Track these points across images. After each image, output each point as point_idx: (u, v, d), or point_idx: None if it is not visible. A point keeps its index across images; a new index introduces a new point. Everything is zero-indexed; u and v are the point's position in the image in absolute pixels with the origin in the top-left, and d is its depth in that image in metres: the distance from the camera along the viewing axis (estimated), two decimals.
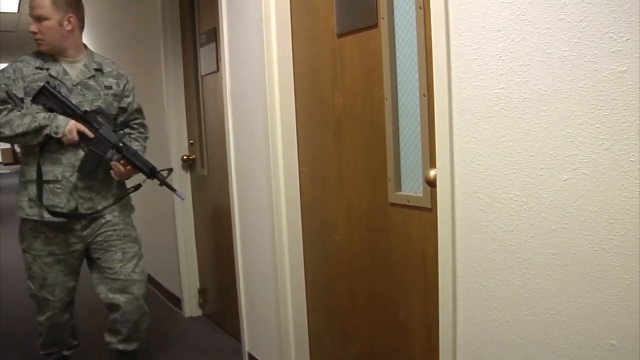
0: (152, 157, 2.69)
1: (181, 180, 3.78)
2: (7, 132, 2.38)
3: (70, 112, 2.42)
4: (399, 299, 2.03)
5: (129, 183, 2.70)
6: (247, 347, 3.09)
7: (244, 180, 2.90)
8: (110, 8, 4.97)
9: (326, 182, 2.37)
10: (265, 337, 2.88)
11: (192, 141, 3.79)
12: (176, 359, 3.24)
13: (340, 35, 2.18)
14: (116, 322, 2.67)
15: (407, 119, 1.92)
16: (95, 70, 2.56)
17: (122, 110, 2.66)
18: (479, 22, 1.47)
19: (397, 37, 1.92)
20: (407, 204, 1.94)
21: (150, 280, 4.28)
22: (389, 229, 2.04)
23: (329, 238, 2.40)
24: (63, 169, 2.47)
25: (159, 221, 4.18)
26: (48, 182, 2.45)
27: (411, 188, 1.94)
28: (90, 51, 2.62)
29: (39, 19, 2.41)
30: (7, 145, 26.80)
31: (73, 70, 2.51)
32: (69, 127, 2.40)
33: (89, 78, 2.52)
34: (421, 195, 1.87)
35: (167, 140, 3.76)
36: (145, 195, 2.66)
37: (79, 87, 2.50)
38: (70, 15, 2.46)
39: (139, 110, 2.75)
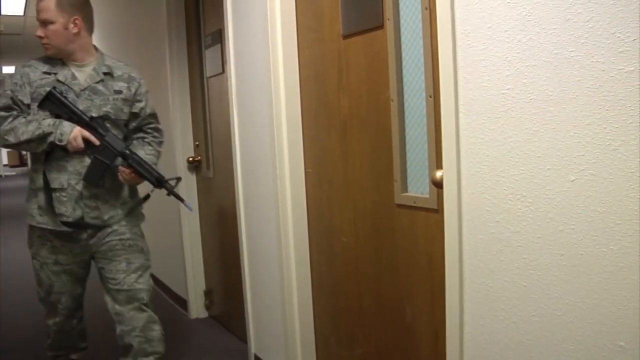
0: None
1: (187, 182, 3.79)
2: (11, 139, 2.33)
3: (77, 118, 2.35)
4: (405, 300, 2.03)
5: (140, 188, 2.62)
6: (253, 348, 3.09)
7: (250, 181, 2.90)
8: (115, 10, 4.98)
9: (332, 184, 2.37)
10: (271, 338, 2.88)
11: (197, 143, 3.80)
12: None
13: (346, 37, 2.18)
14: (123, 335, 2.53)
15: (413, 120, 1.92)
16: (105, 74, 2.47)
17: (134, 115, 2.56)
18: (486, 23, 1.47)
19: (403, 38, 1.92)
20: (414, 205, 1.93)
21: (156, 281, 4.28)
22: (395, 230, 2.04)
23: (335, 239, 2.40)
24: (69, 177, 2.40)
25: (164, 222, 4.19)
26: (54, 190, 2.39)
27: (417, 189, 1.94)
28: (102, 54, 2.54)
29: (44, 23, 2.37)
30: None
31: (82, 75, 2.44)
32: (74, 134, 2.33)
33: (97, 82, 2.44)
34: (427, 196, 1.87)
35: (173, 142, 3.76)
36: (145, 193, 2.62)
37: (87, 92, 2.41)
38: (75, 17, 2.39)
39: (152, 115, 2.64)
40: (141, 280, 2.54)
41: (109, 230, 2.50)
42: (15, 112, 2.36)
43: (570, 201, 1.32)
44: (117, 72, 2.51)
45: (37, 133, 2.31)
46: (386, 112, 2.00)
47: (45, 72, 2.39)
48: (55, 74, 2.40)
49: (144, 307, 2.53)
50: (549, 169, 1.36)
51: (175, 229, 4.00)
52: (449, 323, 1.69)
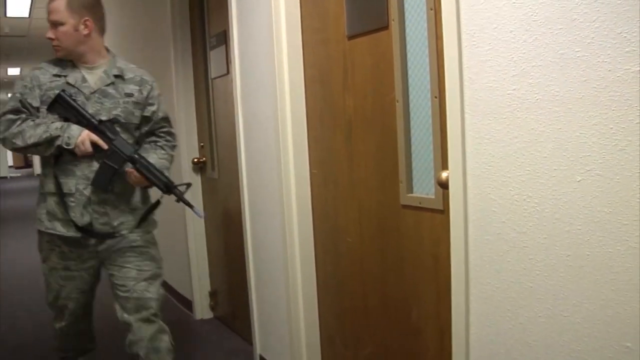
0: None
1: (192, 183, 3.78)
2: (19, 143, 2.30)
3: (85, 121, 2.30)
4: (411, 300, 2.03)
5: (152, 194, 2.58)
6: (258, 349, 3.10)
7: (255, 182, 2.90)
8: (120, 12, 4.99)
9: (337, 184, 2.37)
10: (276, 339, 2.88)
11: (202, 144, 3.80)
12: None
13: (351, 37, 2.18)
14: (131, 344, 2.45)
15: (419, 121, 1.91)
16: (116, 76, 2.40)
17: (146, 119, 2.48)
18: (491, 23, 1.47)
19: (408, 38, 1.92)
20: (419, 205, 1.93)
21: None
22: (400, 231, 2.04)
23: (340, 240, 2.40)
24: (77, 182, 2.34)
25: (169, 223, 4.19)
26: (62, 195, 2.34)
27: (423, 190, 1.94)
28: (114, 55, 2.48)
29: (55, 24, 2.31)
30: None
31: (92, 77, 2.38)
32: (82, 137, 2.27)
33: (107, 85, 2.38)
34: (433, 197, 1.87)
35: (178, 142, 3.77)
36: (155, 197, 2.60)
37: (97, 95, 2.35)
38: (86, 18, 2.33)
39: (165, 119, 2.57)
40: (151, 289, 2.46)
41: (119, 236, 2.42)
42: (24, 115, 2.33)
43: (576, 202, 1.32)
44: (129, 75, 2.45)
45: (44, 136, 2.27)
46: (391, 112, 2.00)
47: (55, 75, 2.35)
48: (65, 76, 2.35)
49: (153, 318, 2.45)
50: (555, 169, 1.36)
51: (180, 230, 4.01)
52: (454, 323, 1.69)
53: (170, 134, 2.61)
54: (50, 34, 2.34)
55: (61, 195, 2.34)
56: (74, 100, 2.31)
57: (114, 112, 2.37)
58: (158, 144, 2.55)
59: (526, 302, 1.47)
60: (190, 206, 2.41)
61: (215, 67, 3.47)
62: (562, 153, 1.33)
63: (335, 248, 2.44)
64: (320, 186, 2.50)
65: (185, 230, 3.90)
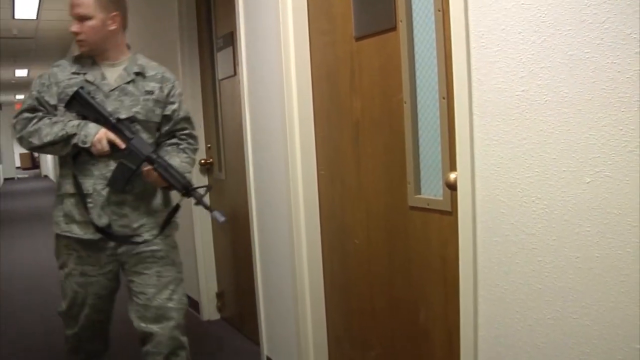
0: None
1: (199, 184, 3.78)
2: (35, 141, 2.23)
3: (103, 119, 2.22)
4: (418, 302, 2.03)
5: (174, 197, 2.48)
6: (265, 350, 3.10)
7: (262, 183, 2.91)
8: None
9: (345, 185, 2.37)
10: (283, 340, 2.88)
11: (209, 145, 3.81)
12: None
13: (359, 39, 2.18)
14: (148, 355, 2.37)
15: (427, 122, 1.91)
16: (136, 74, 2.32)
17: (166, 118, 2.40)
18: (499, 25, 1.47)
19: (416, 39, 1.92)
20: (427, 207, 1.93)
21: None
22: (408, 232, 2.04)
23: (347, 241, 2.40)
24: (94, 182, 2.25)
25: None
26: (82, 195, 2.26)
27: (431, 191, 1.94)
28: (135, 52, 2.41)
29: (81, 18, 2.21)
30: (25, 150, 27.08)
31: (112, 74, 2.31)
32: (99, 136, 2.19)
33: (127, 83, 2.30)
34: (441, 198, 1.87)
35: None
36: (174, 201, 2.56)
37: (116, 93, 2.28)
38: (115, 13, 2.26)
39: (186, 119, 2.48)
40: (175, 298, 2.38)
41: (139, 239, 2.33)
42: (40, 114, 2.26)
43: (585, 203, 1.31)
44: (150, 72, 2.37)
45: (60, 134, 2.20)
46: (399, 113, 2.00)
47: (74, 73, 2.28)
48: (84, 74, 2.28)
49: (175, 332, 2.37)
50: (564, 170, 1.35)
51: (187, 231, 4.01)
52: (463, 325, 1.69)
53: (192, 136, 2.52)
54: (76, 28, 2.24)
55: (81, 196, 2.26)
56: (93, 97, 2.24)
57: (134, 110, 2.29)
58: (180, 146, 2.46)
59: (535, 304, 1.47)
60: (210, 210, 2.27)
61: (222, 69, 3.48)
62: (571, 154, 1.33)
63: (343, 249, 2.44)
64: (327, 187, 2.51)
65: (193, 231, 3.91)
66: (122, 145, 2.23)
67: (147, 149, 2.26)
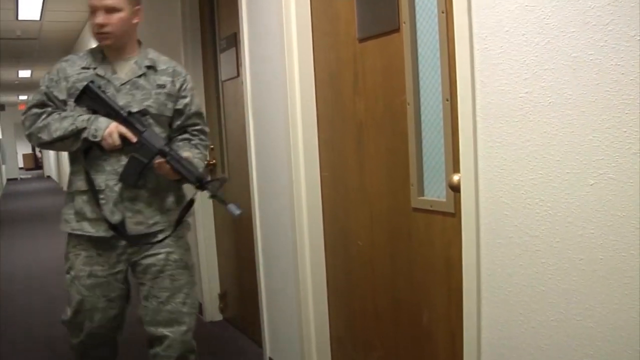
0: None
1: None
2: (45, 137, 2.18)
3: (114, 113, 2.17)
4: (422, 304, 2.02)
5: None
6: (268, 351, 3.10)
7: (265, 184, 2.91)
8: None
9: (348, 187, 2.37)
10: (286, 341, 2.88)
11: (212, 146, 3.80)
12: None
13: (362, 40, 2.18)
14: (156, 358, 2.34)
15: (430, 124, 1.91)
16: (148, 67, 2.29)
17: (178, 112, 2.35)
18: (503, 27, 1.47)
19: (419, 41, 1.92)
20: (430, 208, 1.93)
21: None
22: (411, 234, 2.04)
23: (350, 243, 2.39)
24: (107, 177, 2.21)
25: None
26: (95, 191, 2.22)
27: (434, 193, 1.94)
28: (145, 47, 2.39)
29: (109, 10, 2.17)
30: (29, 150, 27.16)
31: (123, 68, 2.27)
32: (109, 130, 2.14)
33: (139, 77, 2.26)
34: (444, 200, 1.87)
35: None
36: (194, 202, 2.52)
37: (128, 87, 2.24)
38: (138, 7, 2.25)
39: (198, 114, 2.43)
40: (188, 302, 2.35)
41: (153, 240, 2.29)
42: (49, 109, 2.22)
43: (589, 205, 1.31)
44: (161, 66, 2.34)
45: (70, 129, 2.15)
46: (402, 115, 2.00)
47: (84, 67, 2.25)
48: (94, 68, 2.25)
49: (186, 335, 2.35)
50: (567, 172, 1.35)
51: (190, 232, 4.01)
52: (466, 328, 1.69)
53: (203, 132, 2.47)
54: (103, 20, 2.18)
55: (93, 192, 2.21)
56: (104, 91, 2.19)
57: (145, 104, 2.25)
58: (192, 142, 2.41)
59: (538, 306, 1.47)
60: (225, 203, 2.18)
61: (225, 70, 3.48)
62: (575, 156, 1.33)
63: (346, 250, 2.44)
64: (330, 189, 2.51)
65: (195, 231, 3.91)
66: (134, 139, 2.18)
67: (159, 141, 2.21)
